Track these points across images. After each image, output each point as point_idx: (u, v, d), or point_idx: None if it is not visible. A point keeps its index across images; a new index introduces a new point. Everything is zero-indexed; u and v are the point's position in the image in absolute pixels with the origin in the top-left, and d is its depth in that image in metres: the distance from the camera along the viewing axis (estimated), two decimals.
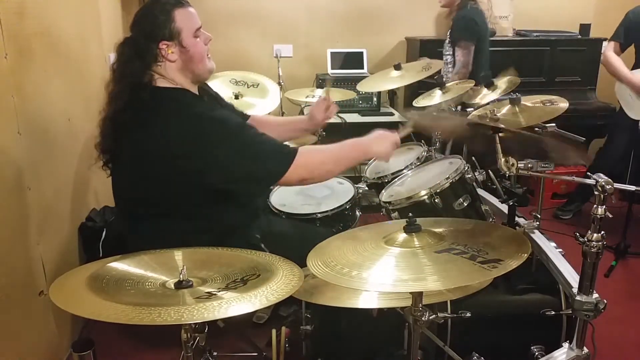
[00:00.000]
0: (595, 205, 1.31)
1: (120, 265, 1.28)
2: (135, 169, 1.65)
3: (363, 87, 2.77)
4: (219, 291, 1.13)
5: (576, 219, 3.57)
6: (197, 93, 1.74)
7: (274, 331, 1.81)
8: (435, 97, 2.53)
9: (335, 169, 1.74)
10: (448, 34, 3.32)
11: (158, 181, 1.61)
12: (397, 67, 2.55)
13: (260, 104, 2.88)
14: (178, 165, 1.56)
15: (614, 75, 3.22)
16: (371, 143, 1.81)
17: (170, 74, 1.65)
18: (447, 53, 3.33)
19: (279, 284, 1.18)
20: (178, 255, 1.35)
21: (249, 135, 1.62)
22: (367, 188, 2.38)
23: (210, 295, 1.11)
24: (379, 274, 1.16)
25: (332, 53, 3.91)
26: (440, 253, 1.21)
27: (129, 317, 1.00)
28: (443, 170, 2.06)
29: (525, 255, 1.17)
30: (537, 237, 1.82)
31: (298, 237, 1.87)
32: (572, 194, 3.66)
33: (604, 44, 3.92)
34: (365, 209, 2.41)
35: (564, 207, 3.65)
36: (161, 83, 1.63)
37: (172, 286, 1.16)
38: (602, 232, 1.32)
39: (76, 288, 1.14)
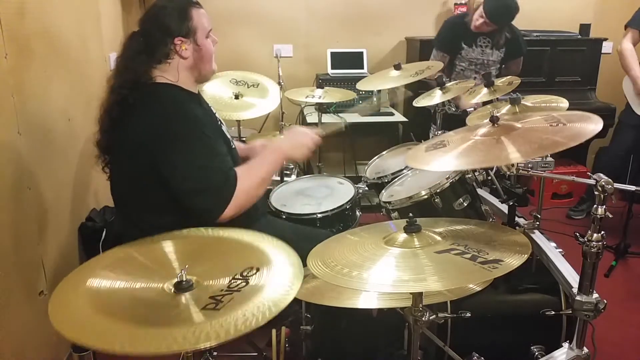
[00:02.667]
0: (595, 205, 1.31)
1: (114, 276, 1.22)
2: (118, 163, 1.66)
3: (363, 85, 2.73)
4: (228, 292, 1.09)
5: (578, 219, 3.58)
6: (196, 92, 1.74)
7: (274, 331, 1.80)
8: (435, 97, 2.52)
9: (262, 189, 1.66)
10: (501, 52, 3.22)
11: (136, 175, 1.59)
12: (397, 67, 2.55)
13: (260, 104, 2.89)
14: (140, 155, 1.55)
15: (624, 69, 3.15)
16: (287, 151, 1.77)
17: (178, 70, 1.65)
18: (495, 72, 3.25)
19: (284, 276, 1.14)
20: (169, 246, 1.32)
21: (209, 144, 1.58)
22: (367, 188, 2.39)
23: (218, 302, 1.06)
24: (379, 275, 1.16)
25: (332, 53, 3.91)
26: (441, 253, 1.21)
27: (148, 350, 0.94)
28: (443, 171, 2.06)
29: (525, 255, 1.17)
30: (537, 237, 1.82)
31: (297, 239, 1.85)
32: (585, 194, 3.62)
33: (604, 43, 3.93)
34: (365, 209, 2.41)
35: (576, 208, 3.63)
36: (161, 80, 1.63)
37: (173, 290, 1.10)
38: (602, 232, 1.32)
39: (79, 313, 1.09)
